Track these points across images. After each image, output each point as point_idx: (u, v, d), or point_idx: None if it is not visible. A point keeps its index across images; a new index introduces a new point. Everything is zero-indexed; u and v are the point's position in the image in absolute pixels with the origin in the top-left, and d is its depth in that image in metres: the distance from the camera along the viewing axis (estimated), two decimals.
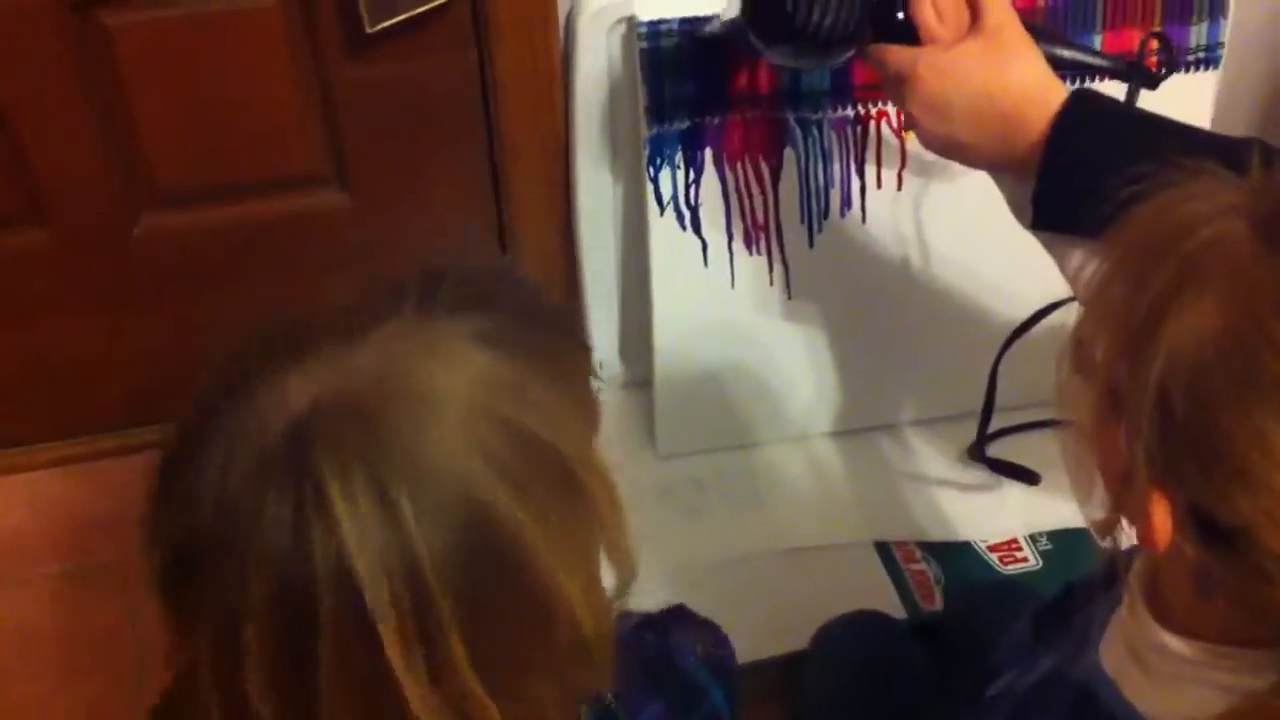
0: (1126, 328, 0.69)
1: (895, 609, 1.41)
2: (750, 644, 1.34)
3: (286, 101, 1.38)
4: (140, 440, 1.63)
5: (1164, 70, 1.06)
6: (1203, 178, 0.70)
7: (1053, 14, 1.36)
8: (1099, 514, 0.75)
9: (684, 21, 1.33)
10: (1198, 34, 1.41)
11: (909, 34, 1.02)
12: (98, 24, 1.30)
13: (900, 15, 1.03)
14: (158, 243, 1.47)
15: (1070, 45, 1.06)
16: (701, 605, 1.40)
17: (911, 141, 1.41)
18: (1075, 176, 0.93)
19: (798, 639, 1.34)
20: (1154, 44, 1.11)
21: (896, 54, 1.02)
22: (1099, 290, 0.73)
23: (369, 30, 1.26)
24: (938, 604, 1.42)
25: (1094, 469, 0.74)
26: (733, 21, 1.14)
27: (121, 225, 1.45)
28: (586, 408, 0.76)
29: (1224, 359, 0.64)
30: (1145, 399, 0.66)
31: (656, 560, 1.45)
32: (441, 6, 1.26)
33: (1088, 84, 1.08)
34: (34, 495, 1.61)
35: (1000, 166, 0.99)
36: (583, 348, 0.79)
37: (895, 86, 1.03)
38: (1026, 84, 0.96)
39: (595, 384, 0.81)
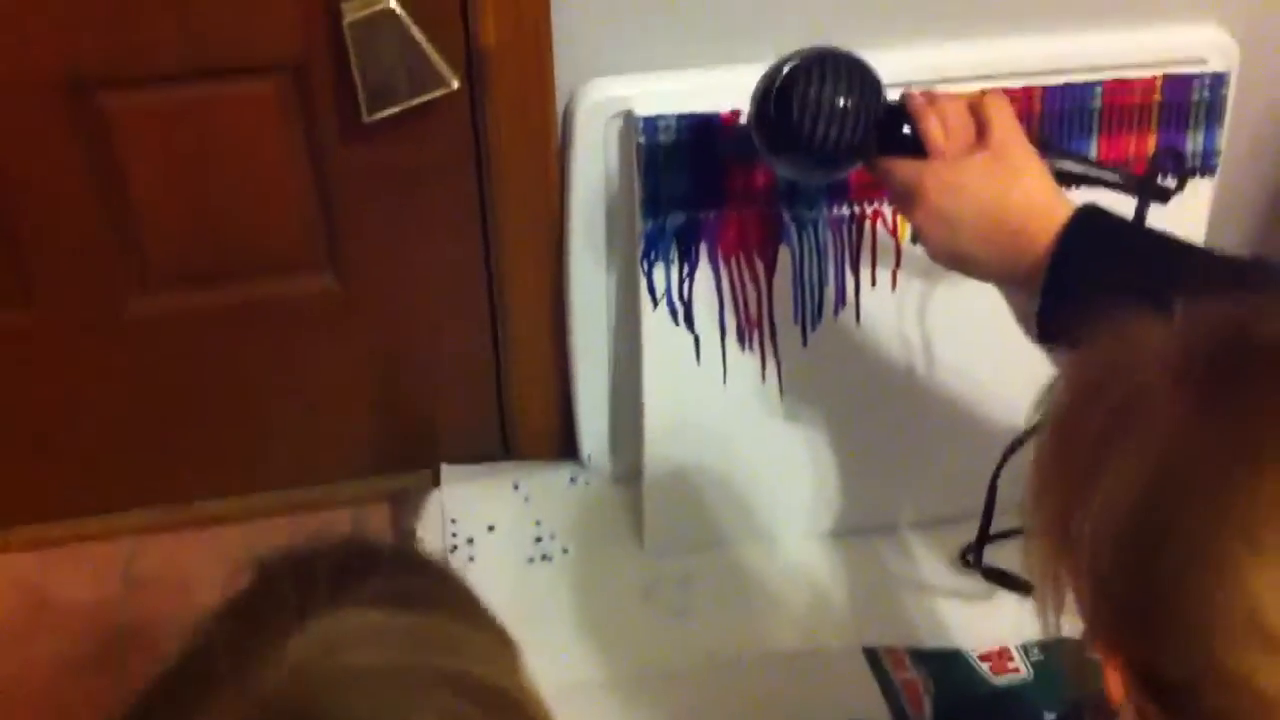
0: (1063, 484, 0.68)
1: (883, 718, 1.37)
2: None
3: (281, 185, 1.38)
4: (124, 525, 1.61)
5: (1176, 184, 1.06)
6: (1136, 320, 0.69)
7: (1049, 119, 1.36)
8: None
9: (682, 118, 1.33)
10: (1194, 141, 1.41)
11: (915, 147, 1.03)
12: (96, 106, 1.30)
13: (906, 129, 1.03)
14: (148, 326, 1.46)
15: (1078, 159, 1.07)
16: (686, 710, 1.39)
17: (906, 242, 1.41)
18: (1079, 292, 0.93)
19: None
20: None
21: (903, 168, 1.03)
22: (1039, 446, 0.72)
23: (366, 119, 1.26)
24: (927, 713, 1.39)
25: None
26: (743, 127, 1.15)
27: (111, 307, 1.44)
28: (507, 639, 0.74)
29: (1147, 518, 0.63)
30: (1082, 556, 0.66)
31: (640, 662, 1.43)
32: (438, 96, 1.26)
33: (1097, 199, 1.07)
34: (14, 578, 1.58)
35: (1006, 280, 1.00)
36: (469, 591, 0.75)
37: (902, 200, 1.03)
38: (1032, 200, 0.97)
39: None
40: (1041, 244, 0.95)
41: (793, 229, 1.40)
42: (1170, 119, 1.40)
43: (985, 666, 1.44)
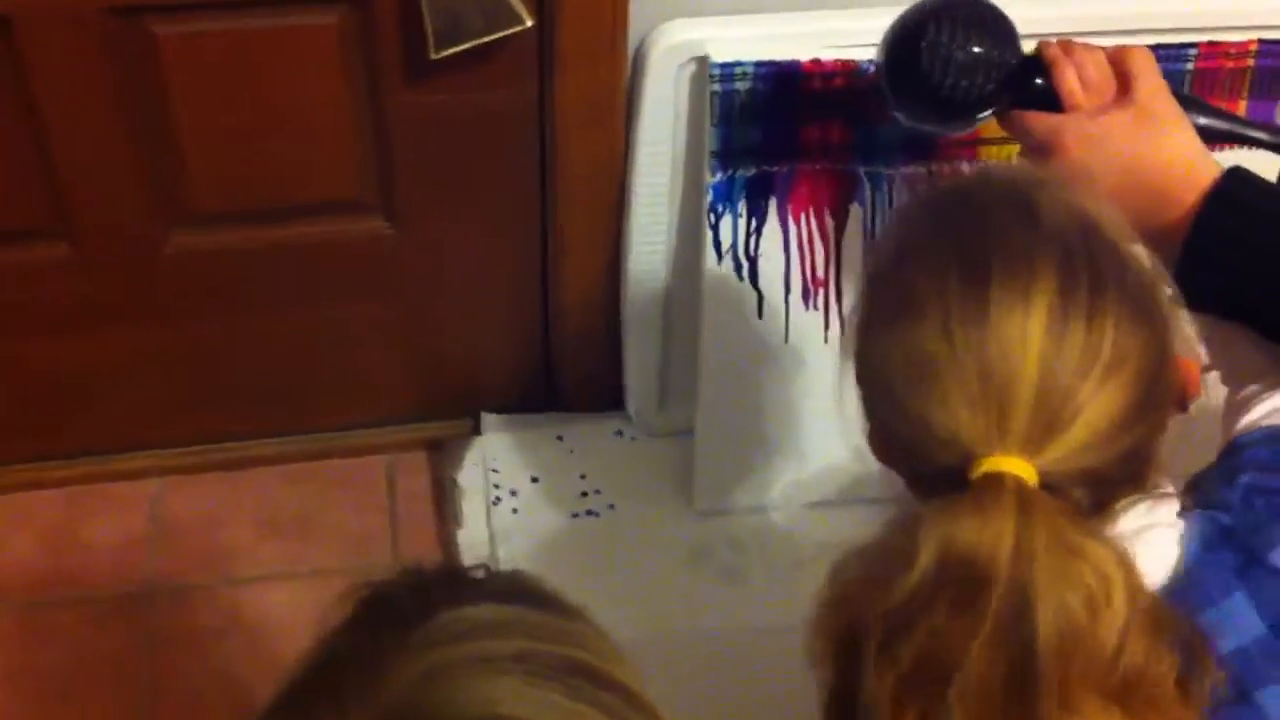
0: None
1: None
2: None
3: (336, 124, 1.32)
4: (154, 465, 1.57)
5: None
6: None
7: None
8: None
9: (759, 65, 1.27)
10: None
11: (1050, 101, 0.97)
12: (144, 31, 1.23)
13: (1040, 81, 0.98)
14: (188, 262, 1.41)
15: (1223, 115, 1.01)
16: (738, 679, 1.35)
17: None
18: (1222, 256, 0.89)
19: None
20: None
21: (1040, 121, 0.98)
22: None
23: (433, 56, 1.20)
24: None
25: None
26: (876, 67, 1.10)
27: (151, 242, 1.38)
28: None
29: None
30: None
31: (686, 626, 1.39)
32: (508, 34, 1.20)
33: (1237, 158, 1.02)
34: (43, 517, 1.54)
35: (1142, 237, 0.95)
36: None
37: (1036, 155, 0.98)
38: (1178, 159, 0.92)
39: None
40: (1184, 204, 0.90)
41: (866, 185, 1.35)
42: (1263, 85, 1.34)
43: None
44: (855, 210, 1.36)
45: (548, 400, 1.61)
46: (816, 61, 1.28)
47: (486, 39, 1.19)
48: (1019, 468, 0.73)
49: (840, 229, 1.37)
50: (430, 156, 1.36)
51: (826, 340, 1.42)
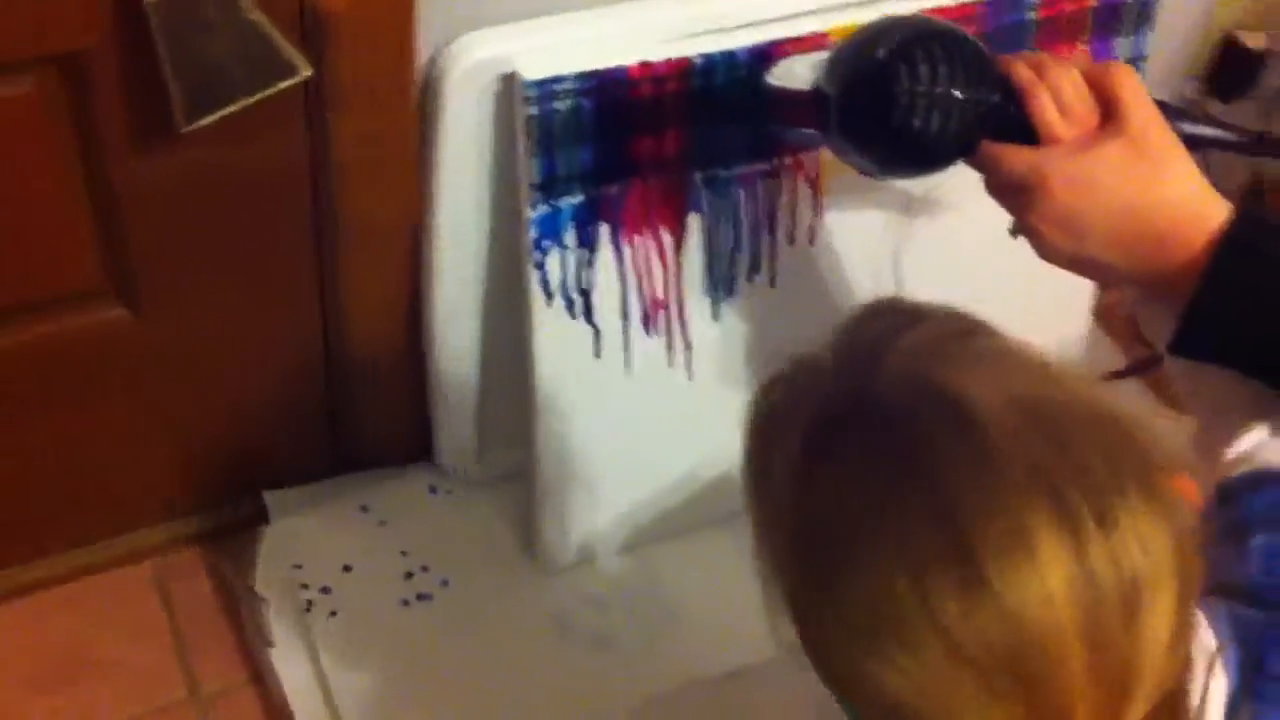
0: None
1: None
2: None
3: (52, 208, 1.02)
4: None
5: None
6: (800, 374, 0.71)
7: (990, 38, 1.17)
8: None
9: (581, 78, 1.05)
10: (1124, 47, 1.26)
11: (1024, 131, 0.82)
12: None
13: (1013, 109, 0.82)
14: None
15: (1200, 121, 0.88)
16: None
17: (828, 187, 1.21)
18: (1236, 309, 0.78)
19: None
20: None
21: (1018, 158, 0.82)
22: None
23: (184, 130, 0.92)
24: None
25: None
26: (814, 94, 0.90)
27: None
28: None
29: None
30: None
31: (562, 711, 1.22)
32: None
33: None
34: None
35: (1138, 284, 0.82)
36: None
37: (1014, 194, 0.82)
38: (1182, 198, 0.79)
39: None
40: (1191, 249, 0.78)
41: (704, 193, 1.16)
42: (1101, 24, 1.24)
43: None
44: (693, 221, 1.18)
45: (336, 466, 1.37)
46: (645, 64, 1.08)
47: (253, 99, 0.92)
48: None
49: (679, 244, 1.18)
50: (173, 229, 1.09)
51: (671, 365, 1.24)
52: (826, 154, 1.20)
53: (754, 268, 1.23)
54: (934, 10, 1.15)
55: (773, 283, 1.24)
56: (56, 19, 0.91)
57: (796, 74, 1.08)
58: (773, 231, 1.22)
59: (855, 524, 0.62)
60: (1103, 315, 1.50)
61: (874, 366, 0.65)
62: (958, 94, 0.82)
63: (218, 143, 1.00)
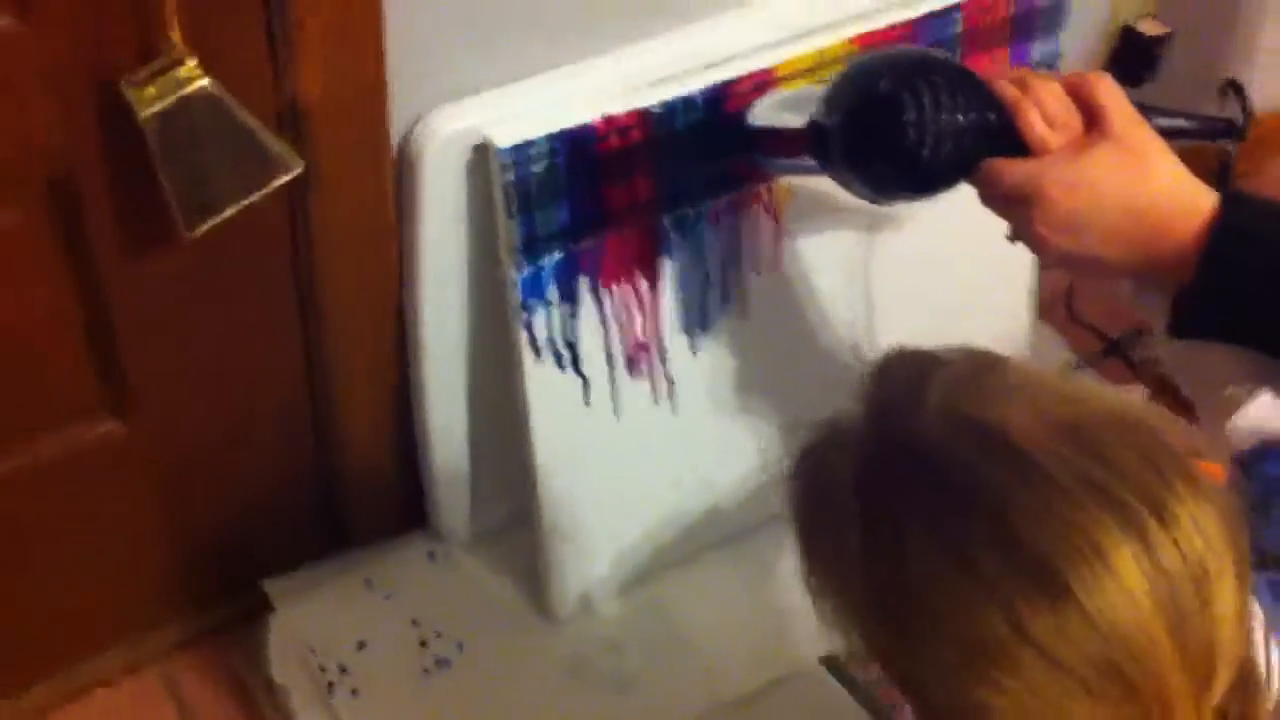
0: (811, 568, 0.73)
1: None
2: None
3: (44, 332, 1.02)
4: None
5: (1245, 117, 0.98)
6: (835, 436, 0.73)
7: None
8: None
9: (552, 138, 1.09)
10: (1040, 49, 1.33)
11: (1016, 145, 0.87)
12: None
13: (1002, 126, 0.88)
14: None
15: (1170, 114, 0.94)
16: None
17: (785, 219, 1.25)
18: (1233, 289, 0.84)
19: None
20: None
21: (1014, 170, 0.87)
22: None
23: (190, 235, 0.93)
24: (905, 704, 1.30)
25: None
26: (812, 129, 0.94)
27: None
28: None
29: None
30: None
31: None
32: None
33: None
34: None
35: (1136, 275, 0.88)
36: None
37: (1013, 206, 0.87)
38: (1173, 191, 0.85)
39: None
40: (1185, 235, 0.84)
41: (674, 234, 1.20)
42: (1020, 30, 1.30)
43: None
44: (667, 264, 1.21)
45: (332, 544, 1.38)
46: (609, 118, 1.11)
47: (251, 199, 0.94)
48: None
49: (654, 288, 1.22)
50: (163, 338, 1.09)
51: (657, 403, 1.28)
52: (782, 184, 1.25)
53: (725, 300, 1.27)
54: (866, 34, 1.21)
55: (744, 313, 1.29)
56: (42, 146, 0.92)
57: (768, 114, 1.12)
58: (739, 264, 1.26)
59: (931, 570, 0.64)
60: (1042, 308, 1.57)
61: (913, 414, 0.68)
62: (960, 119, 0.87)
63: (205, 247, 1.01)
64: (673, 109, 1.14)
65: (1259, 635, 0.72)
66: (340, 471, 1.31)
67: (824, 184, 1.22)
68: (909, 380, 0.70)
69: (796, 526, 0.74)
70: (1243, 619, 0.66)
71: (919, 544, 0.65)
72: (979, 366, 0.71)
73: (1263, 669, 0.70)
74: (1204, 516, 0.64)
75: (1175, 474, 0.65)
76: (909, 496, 0.67)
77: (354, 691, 1.27)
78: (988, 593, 0.63)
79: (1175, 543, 0.63)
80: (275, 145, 0.94)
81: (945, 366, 0.71)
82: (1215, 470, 0.69)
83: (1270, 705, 0.70)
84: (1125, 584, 0.62)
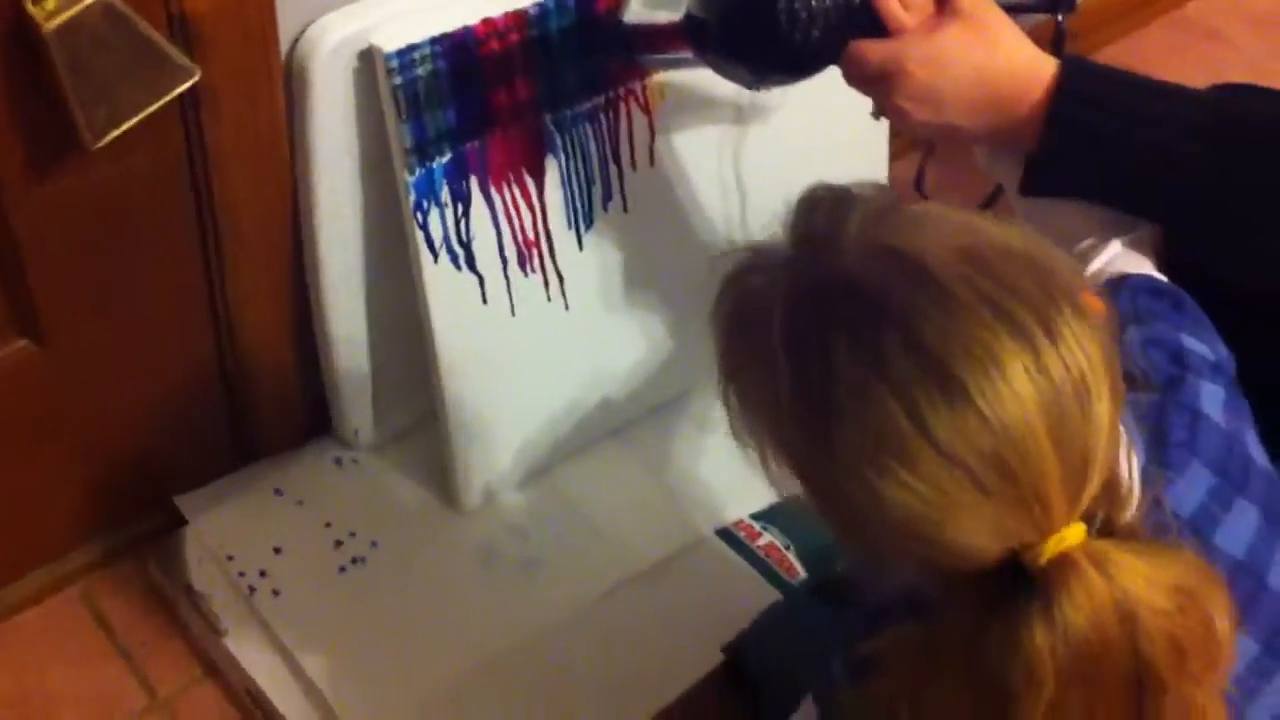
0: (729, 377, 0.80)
1: (764, 593, 1.36)
2: (660, 682, 1.27)
3: None
4: None
5: None
6: (762, 265, 0.79)
7: None
8: None
9: (435, 42, 1.13)
10: None
11: (874, 27, 0.95)
12: None
13: (855, 1, 0.95)
14: None
15: None
16: (584, 663, 1.30)
17: (658, 113, 1.32)
18: (1075, 147, 0.93)
19: (702, 658, 1.27)
20: None
21: (875, 50, 0.96)
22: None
23: (94, 147, 0.96)
24: (799, 572, 1.39)
25: None
26: (688, 22, 1.00)
27: None
28: None
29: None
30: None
31: (505, 634, 1.31)
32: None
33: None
34: None
35: (990, 140, 0.97)
36: None
37: (876, 83, 0.95)
38: (1019, 60, 0.95)
39: None
40: (1031, 101, 0.93)
41: (557, 135, 1.26)
42: None
43: None
44: (551, 163, 1.27)
45: (239, 457, 1.42)
46: (488, 21, 1.16)
47: (154, 106, 0.97)
48: (1074, 534, 0.71)
49: (540, 187, 1.28)
50: (68, 256, 1.12)
51: (549, 299, 1.34)
52: (654, 82, 1.31)
53: (607, 196, 1.33)
54: None
55: (625, 208, 1.35)
56: None
57: (641, 11, 1.18)
58: (618, 160, 1.33)
59: (846, 375, 0.71)
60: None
61: (835, 242, 0.75)
62: (827, 4, 0.95)
63: (104, 162, 1.04)
64: (546, 10, 1.19)
65: (1121, 451, 0.81)
66: (244, 383, 1.35)
67: (695, 79, 1.31)
68: (829, 213, 0.77)
69: (722, 346, 0.80)
70: (1115, 432, 0.73)
71: (840, 353, 0.71)
72: (889, 202, 0.78)
73: (1125, 481, 0.79)
74: (1086, 337, 0.72)
75: (1063, 298, 0.72)
76: (832, 313, 0.73)
77: (275, 592, 1.32)
78: (896, 394, 0.70)
79: (1061, 356, 0.70)
80: (174, 53, 0.97)
81: (862, 201, 0.78)
82: (1095, 302, 0.78)
83: (1129, 513, 0.77)
84: (1016, 388, 0.69)
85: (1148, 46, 2.11)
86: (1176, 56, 2.06)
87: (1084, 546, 0.70)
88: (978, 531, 0.71)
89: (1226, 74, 1.17)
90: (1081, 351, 0.71)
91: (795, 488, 0.78)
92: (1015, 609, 0.70)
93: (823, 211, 0.77)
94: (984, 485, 0.70)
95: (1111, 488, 0.75)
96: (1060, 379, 0.70)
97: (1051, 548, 0.70)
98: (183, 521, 1.37)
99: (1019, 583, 0.70)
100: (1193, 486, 0.85)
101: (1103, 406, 0.72)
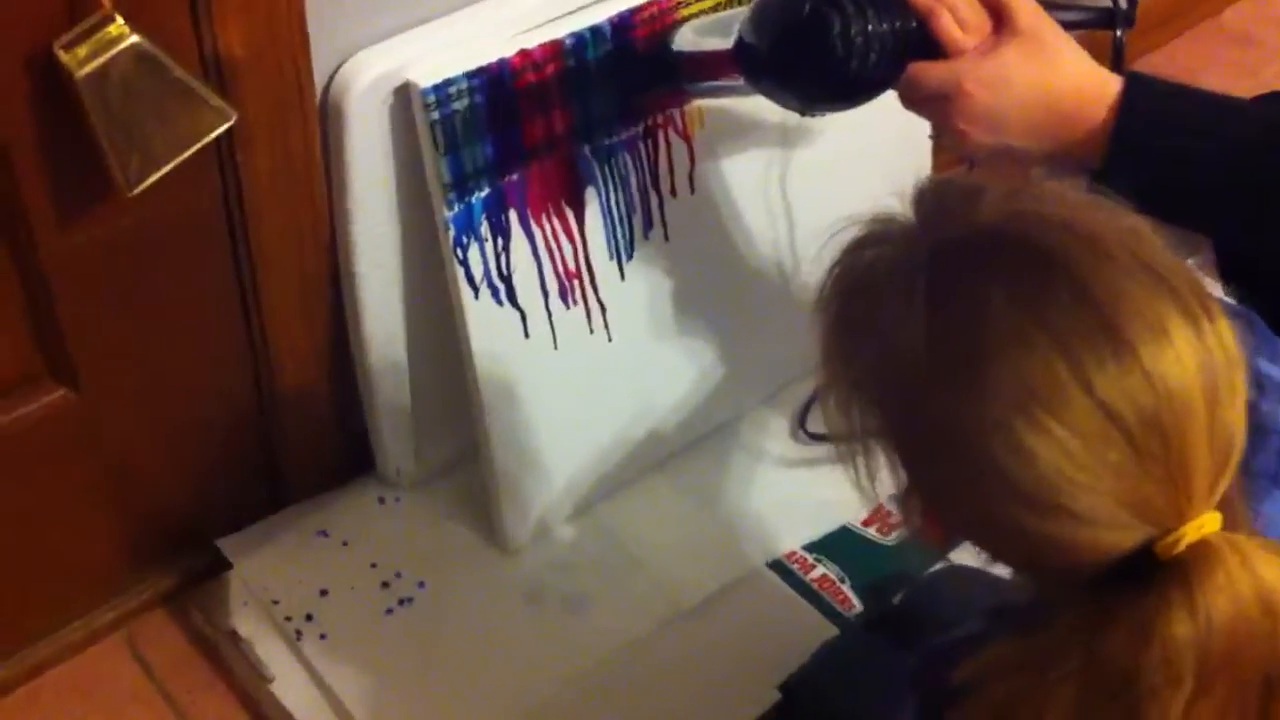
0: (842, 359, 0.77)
1: (819, 628, 1.32)
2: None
3: None
4: None
5: (1132, 5, 1.06)
6: (891, 231, 0.76)
7: None
8: None
9: (471, 76, 1.12)
10: None
11: (931, 49, 0.93)
12: None
13: (919, 32, 0.93)
14: None
15: (1065, 7, 1.02)
16: (634, 703, 1.27)
17: (698, 139, 1.30)
18: (1140, 163, 0.91)
19: (755, 696, 1.24)
20: None
21: (933, 73, 0.94)
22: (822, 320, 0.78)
23: (129, 194, 0.95)
24: (855, 605, 1.36)
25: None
26: (739, 48, 0.99)
27: None
28: None
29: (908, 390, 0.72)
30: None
31: (552, 674, 1.28)
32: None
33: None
34: None
35: (1051, 160, 0.96)
36: None
37: (935, 105, 0.94)
38: (1081, 79, 0.93)
39: None
40: (1095, 120, 0.92)
41: (595, 164, 1.24)
42: None
43: (872, 531, 1.43)
44: (591, 193, 1.25)
45: (276, 499, 1.40)
46: (524, 53, 1.15)
47: (189, 151, 0.96)
48: (1213, 521, 0.68)
49: (580, 218, 1.26)
50: (103, 301, 1.10)
51: (592, 331, 1.32)
52: (692, 109, 1.29)
53: (648, 225, 1.31)
54: None
55: (666, 236, 1.33)
56: None
57: (690, 39, 1.17)
58: (658, 189, 1.30)
59: (1002, 324, 0.68)
60: None
61: (974, 210, 0.72)
62: (883, 29, 0.93)
63: (139, 209, 1.03)
64: (582, 40, 1.18)
65: None
66: (284, 425, 1.33)
67: (733, 105, 1.29)
68: (960, 190, 0.75)
69: (835, 311, 0.77)
70: (1245, 427, 0.71)
71: (996, 301, 0.69)
72: (1019, 185, 0.76)
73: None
74: (1227, 323, 0.70)
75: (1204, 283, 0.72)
76: (989, 262, 0.71)
77: (322, 636, 1.30)
78: (1059, 344, 0.67)
79: (1219, 335, 0.69)
80: (209, 96, 0.95)
81: (990, 184, 0.75)
82: None
83: (1246, 513, 0.74)
84: (1181, 355, 0.67)
85: (1185, 54, 2.08)
86: (1214, 64, 2.04)
87: (1224, 535, 0.68)
88: (1119, 504, 0.67)
89: (1262, 79, 1.15)
90: (1230, 335, 0.70)
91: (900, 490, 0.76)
92: (1148, 601, 0.67)
93: (953, 190, 0.75)
94: (1137, 444, 0.67)
95: (1239, 485, 0.72)
96: (1219, 358, 0.69)
97: (1192, 533, 0.67)
98: (225, 565, 1.35)
99: (1149, 573, 0.67)
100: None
101: (1242, 400, 0.70)
